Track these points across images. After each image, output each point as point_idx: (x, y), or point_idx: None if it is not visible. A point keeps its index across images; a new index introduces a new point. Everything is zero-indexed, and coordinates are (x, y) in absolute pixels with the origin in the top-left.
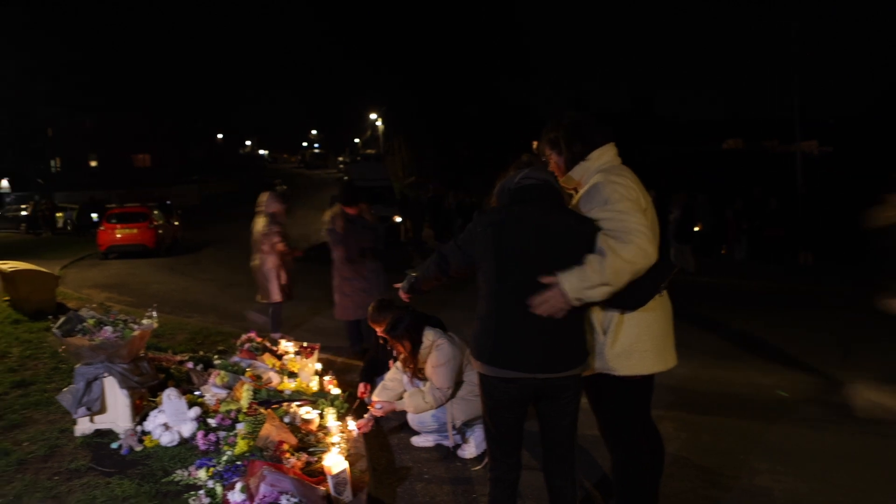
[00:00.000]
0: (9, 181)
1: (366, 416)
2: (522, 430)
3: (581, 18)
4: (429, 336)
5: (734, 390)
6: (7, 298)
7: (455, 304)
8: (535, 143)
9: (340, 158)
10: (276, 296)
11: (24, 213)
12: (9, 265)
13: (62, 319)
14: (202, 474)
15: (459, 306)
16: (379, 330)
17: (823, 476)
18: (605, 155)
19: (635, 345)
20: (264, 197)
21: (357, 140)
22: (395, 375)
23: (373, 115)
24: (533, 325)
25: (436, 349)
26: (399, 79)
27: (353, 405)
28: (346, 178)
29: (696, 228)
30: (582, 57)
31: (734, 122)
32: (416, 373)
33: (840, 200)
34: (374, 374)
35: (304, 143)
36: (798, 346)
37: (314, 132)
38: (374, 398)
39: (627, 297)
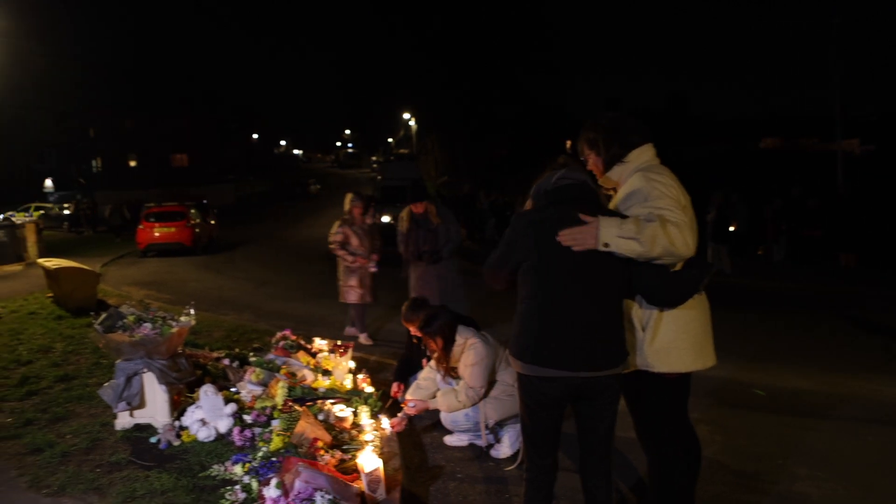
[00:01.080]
0: (52, 181)
1: (399, 414)
2: (560, 432)
3: (616, 17)
4: (462, 334)
5: (772, 394)
6: (51, 295)
7: (490, 304)
8: (568, 143)
9: (374, 158)
10: (346, 297)
11: (66, 211)
12: (53, 263)
13: (103, 316)
14: (238, 469)
15: (494, 305)
16: (412, 329)
17: (866, 482)
18: (644, 155)
19: (674, 342)
20: (347, 197)
21: (390, 140)
22: (428, 374)
23: (406, 115)
24: (575, 323)
25: (469, 348)
26: (438, 77)
27: (386, 404)
28: (378, 177)
29: (732, 228)
30: (616, 56)
31: (772, 120)
32: (449, 371)
33: (884, 201)
34: (407, 374)
35: (338, 143)
36: (838, 349)
37: (348, 132)
38: (408, 397)
39: (666, 296)
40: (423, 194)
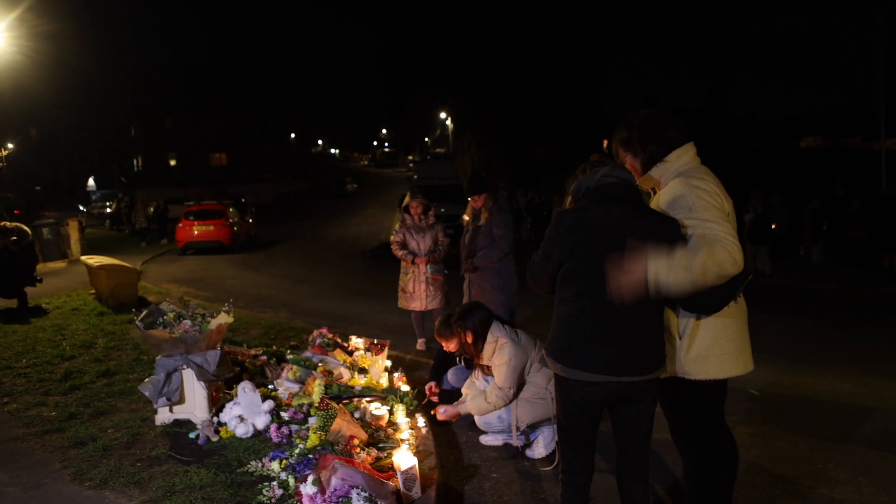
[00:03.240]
0: (94, 179)
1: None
2: (597, 434)
3: (653, 15)
4: (494, 333)
5: (812, 397)
6: (93, 291)
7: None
8: (605, 142)
9: (410, 157)
10: (407, 303)
11: (108, 210)
12: (95, 260)
13: (144, 313)
14: (275, 466)
15: (525, 303)
16: (444, 344)
17: None
18: (685, 155)
19: (711, 349)
20: (407, 196)
21: (427, 139)
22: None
23: (442, 115)
24: (617, 326)
25: (500, 348)
26: (476, 75)
27: (422, 402)
28: (415, 176)
29: (772, 227)
30: (654, 54)
31: (813, 119)
32: (483, 369)
33: None
34: (443, 372)
35: (375, 143)
36: (881, 351)
37: (384, 131)
38: (465, 390)
39: (703, 303)
40: (481, 185)
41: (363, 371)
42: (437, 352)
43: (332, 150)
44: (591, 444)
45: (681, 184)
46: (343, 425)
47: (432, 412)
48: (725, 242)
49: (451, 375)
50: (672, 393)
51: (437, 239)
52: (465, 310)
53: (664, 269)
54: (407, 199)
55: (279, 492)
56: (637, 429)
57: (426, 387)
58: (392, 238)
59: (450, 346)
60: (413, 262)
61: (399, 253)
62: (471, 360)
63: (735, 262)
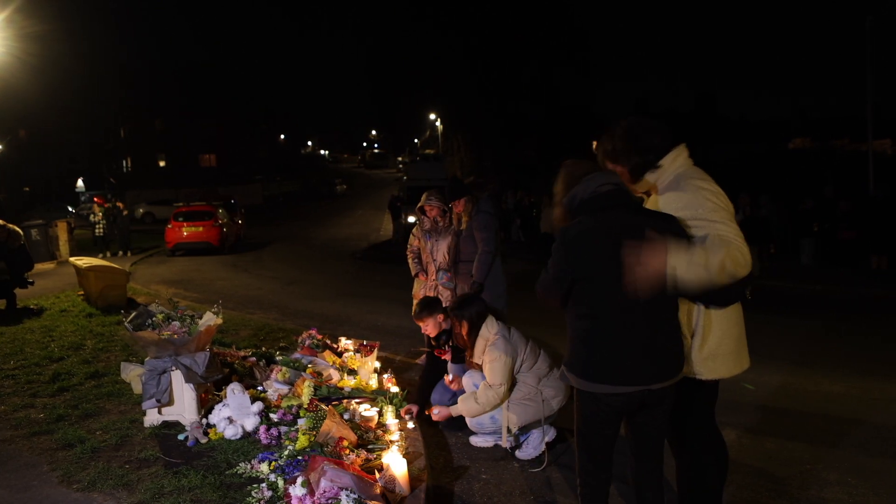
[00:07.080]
0: (83, 181)
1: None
2: (615, 443)
3: (646, 18)
4: (488, 327)
5: (801, 398)
6: (81, 293)
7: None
8: (594, 144)
9: (400, 158)
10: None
11: None
12: (84, 261)
13: (133, 314)
14: (264, 468)
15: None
16: (422, 327)
17: None
18: (679, 157)
19: (719, 348)
20: (423, 196)
21: (416, 140)
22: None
23: (432, 116)
24: (639, 336)
25: (490, 345)
26: (466, 76)
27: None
28: (405, 177)
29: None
30: (645, 58)
31: (802, 120)
32: (472, 364)
33: None
34: (428, 395)
35: (364, 144)
36: (871, 352)
37: (374, 132)
38: (434, 408)
39: (719, 296)
40: (459, 190)
41: (352, 372)
42: (422, 371)
43: (322, 152)
44: (610, 454)
45: (684, 185)
46: (332, 427)
47: (427, 412)
48: (739, 244)
49: (435, 394)
50: (676, 395)
51: (452, 245)
52: (462, 299)
53: (683, 265)
54: (423, 200)
55: (268, 493)
56: (656, 433)
57: (403, 410)
58: (409, 243)
59: (427, 328)
60: (415, 276)
61: (411, 263)
62: (457, 351)
63: (747, 264)
